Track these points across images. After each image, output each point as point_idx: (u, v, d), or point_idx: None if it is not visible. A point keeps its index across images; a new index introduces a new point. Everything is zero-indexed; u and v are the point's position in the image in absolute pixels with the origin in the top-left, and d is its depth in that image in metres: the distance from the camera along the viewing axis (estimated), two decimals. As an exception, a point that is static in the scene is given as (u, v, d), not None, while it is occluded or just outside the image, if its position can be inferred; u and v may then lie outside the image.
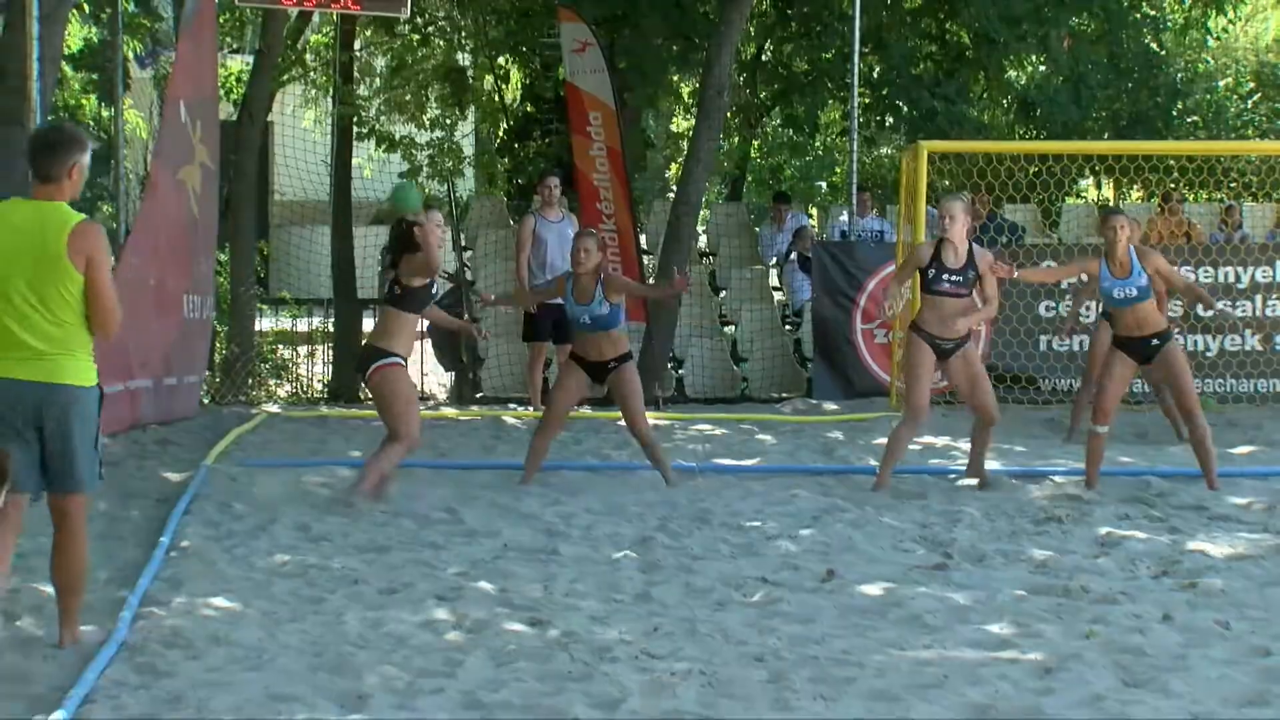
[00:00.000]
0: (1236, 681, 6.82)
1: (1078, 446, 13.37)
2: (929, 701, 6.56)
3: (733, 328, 20.54)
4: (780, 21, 24.08)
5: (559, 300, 12.48)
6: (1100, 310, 15.01)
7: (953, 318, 11.64)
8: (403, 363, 10.95)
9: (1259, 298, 17.58)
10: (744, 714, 6.47)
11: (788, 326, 20.33)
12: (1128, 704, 6.51)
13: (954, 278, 11.64)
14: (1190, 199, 23.20)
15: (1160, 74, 27.04)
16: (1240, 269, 17.57)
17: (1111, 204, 25.29)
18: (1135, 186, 25.26)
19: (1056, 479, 12.21)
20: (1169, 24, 28.29)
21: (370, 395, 11.46)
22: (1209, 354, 17.21)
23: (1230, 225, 20.62)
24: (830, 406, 16.96)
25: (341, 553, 9.48)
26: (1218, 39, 31.36)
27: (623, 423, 12.33)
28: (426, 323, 12.65)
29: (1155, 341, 11.82)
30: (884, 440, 14.01)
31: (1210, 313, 15.72)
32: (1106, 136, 25.55)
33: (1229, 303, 17.25)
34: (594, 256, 11.94)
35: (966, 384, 11.92)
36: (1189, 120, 27.88)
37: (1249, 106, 29.88)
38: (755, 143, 29.56)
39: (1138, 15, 25.28)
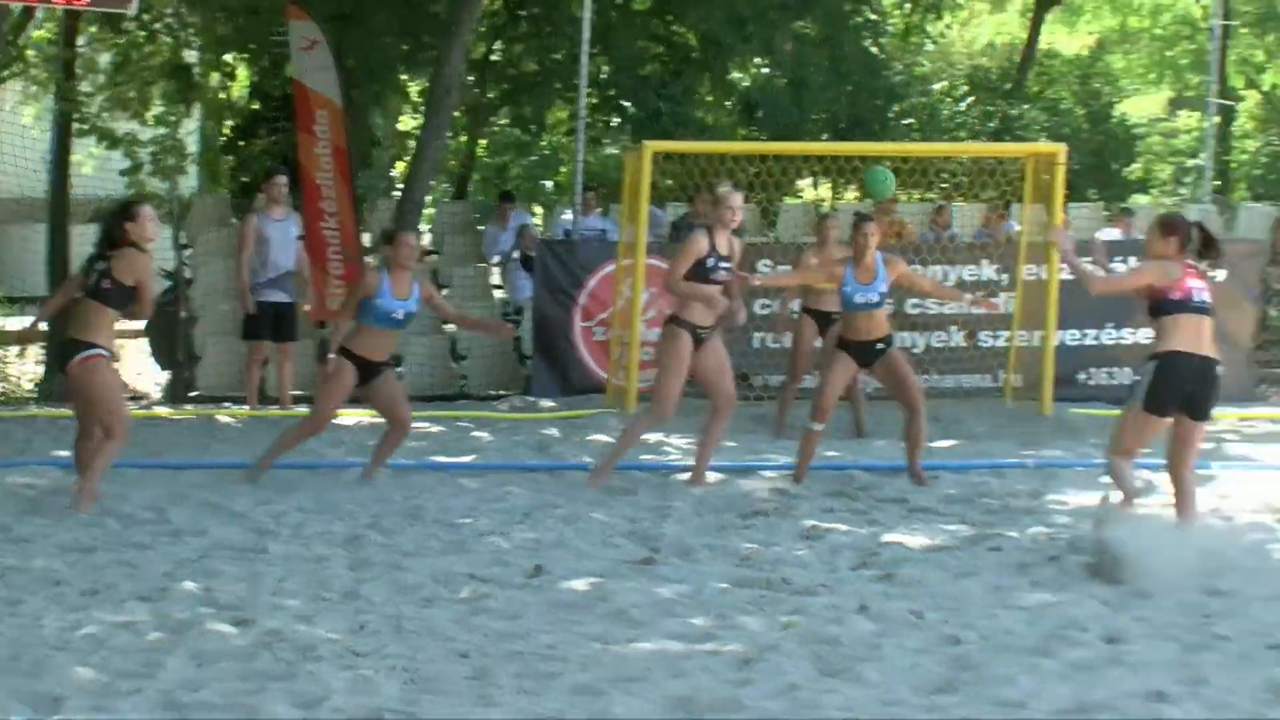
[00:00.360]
0: (928, 670, 7.00)
1: (787, 441, 13.62)
2: (632, 695, 6.63)
3: (452, 325, 20.49)
4: (510, 22, 24.11)
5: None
6: (802, 306, 15.33)
7: (716, 305, 11.73)
8: (107, 355, 10.73)
9: (967, 296, 18.02)
10: (447, 710, 6.48)
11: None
12: (822, 693, 6.64)
13: (726, 264, 11.75)
14: (903, 199, 23.69)
15: (879, 77, 27.61)
16: (949, 268, 18.04)
17: (828, 204, 25.71)
18: (851, 187, 25.72)
19: (766, 474, 12.42)
20: (890, 29, 28.91)
21: (72, 389, 11.02)
22: (916, 350, 17.60)
23: (940, 225, 21.13)
24: (548, 404, 17.01)
25: (43, 554, 9.28)
26: (935, 43, 32.14)
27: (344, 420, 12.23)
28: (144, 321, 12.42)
29: (880, 346, 12.09)
30: (601, 436, 14.20)
31: (958, 306, 16.06)
32: (826, 138, 26.01)
33: (936, 300, 17.72)
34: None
35: (716, 371, 11.97)
36: (905, 122, 28.49)
37: (962, 109, 30.61)
38: (482, 141, 29.55)
39: (859, 20, 25.77)
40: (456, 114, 23.17)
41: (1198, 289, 9.75)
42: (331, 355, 12.53)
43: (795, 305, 15.84)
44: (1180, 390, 9.63)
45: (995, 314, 16.97)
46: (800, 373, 15.43)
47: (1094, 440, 13.47)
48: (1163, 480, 10.38)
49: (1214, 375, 9.71)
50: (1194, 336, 9.65)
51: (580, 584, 8.67)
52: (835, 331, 12.56)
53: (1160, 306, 9.74)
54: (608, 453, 12.15)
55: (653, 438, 14.19)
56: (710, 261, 11.65)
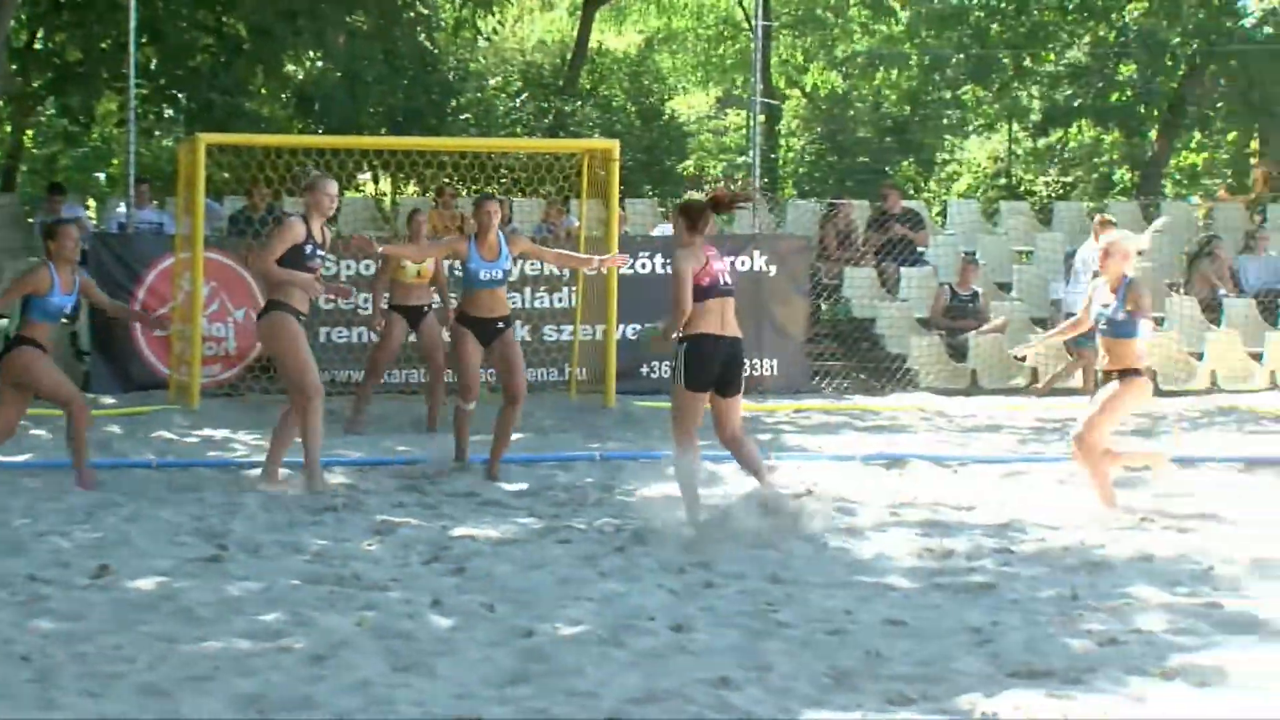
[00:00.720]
0: (500, 662, 7.03)
1: (357, 436, 13.58)
2: (201, 694, 6.52)
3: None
4: (52, 9, 23.40)
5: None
6: (390, 303, 15.36)
7: (312, 291, 11.69)
8: None
9: (528, 290, 18.25)
10: (9, 714, 6.30)
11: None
12: (395, 688, 6.63)
13: (322, 252, 11.72)
14: (463, 194, 23.81)
15: (434, 72, 27.69)
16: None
17: (389, 198, 25.69)
18: (411, 181, 25.76)
19: (336, 469, 12.37)
20: (442, 23, 29.01)
21: None
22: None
23: (501, 219, 21.25)
24: (108, 400, 16.62)
25: None
26: (488, 39, 32.35)
27: None
28: None
29: (501, 325, 12.26)
30: (163, 434, 13.93)
31: (593, 271, 16.24)
32: (384, 132, 25.97)
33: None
34: None
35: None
36: (462, 117, 28.64)
37: (517, 105, 30.87)
38: (29, 132, 28.64)
39: (412, 14, 25.78)
40: (0, 104, 22.43)
41: (721, 272, 10.33)
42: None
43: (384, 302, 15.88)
44: (710, 369, 10.18)
45: (558, 308, 17.27)
46: (381, 369, 15.49)
47: (658, 432, 13.76)
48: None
49: (739, 353, 10.35)
50: (719, 318, 10.24)
51: (146, 583, 8.50)
52: (459, 309, 12.58)
53: (695, 293, 10.20)
54: (308, 458, 11.67)
55: (218, 434, 14.03)
56: (309, 249, 11.55)
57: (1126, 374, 11.03)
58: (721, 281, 10.31)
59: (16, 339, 11.68)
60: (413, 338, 15.49)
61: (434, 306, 15.62)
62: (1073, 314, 18.52)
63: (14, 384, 11.56)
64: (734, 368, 10.33)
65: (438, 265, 15.38)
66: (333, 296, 15.22)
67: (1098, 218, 20.23)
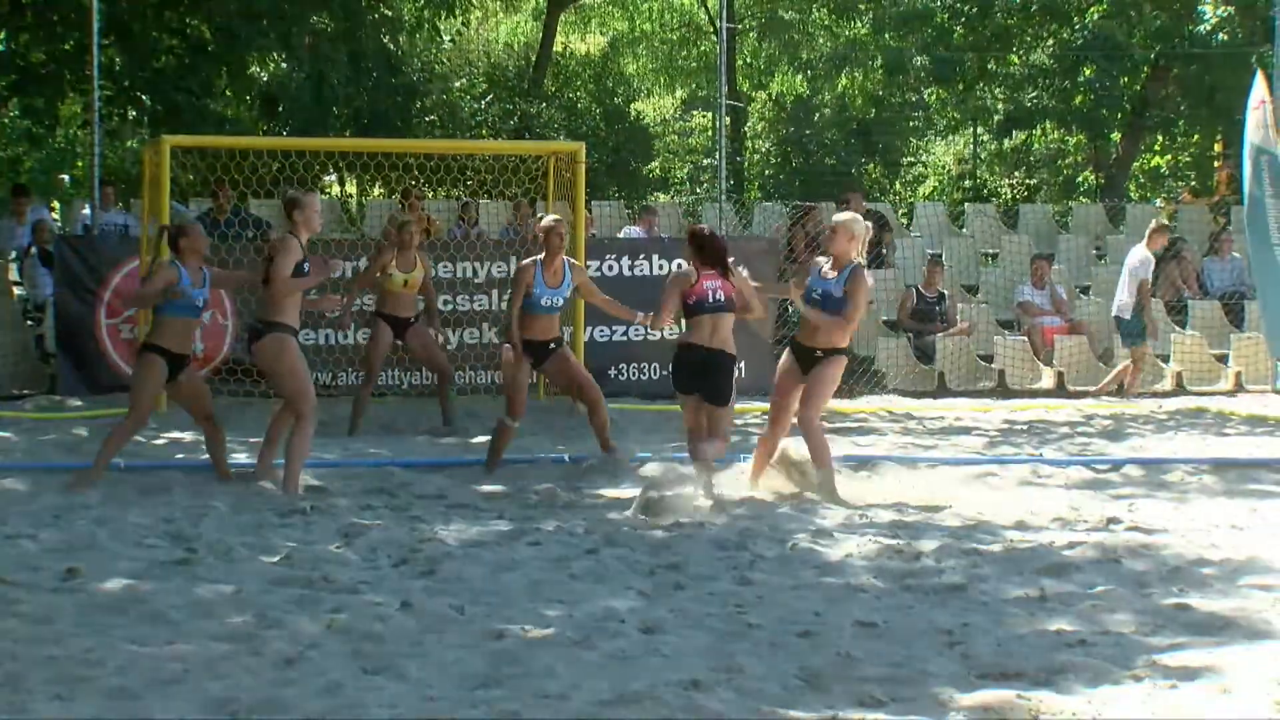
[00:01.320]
0: (470, 664, 7.00)
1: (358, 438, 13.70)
2: (170, 698, 6.48)
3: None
4: (15, 10, 23.29)
5: None
6: (376, 311, 15.39)
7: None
8: None
9: (495, 292, 18.25)
10: (-24, 720, 6.28)
11: (29, 322, 19.72)
12: (365, 690, 6.60)
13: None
14: (430, 196, 23.81)
15: (399, 74, 27.66)
16: (478, 264, 18.23)
17: (355, 199, 25.67)
18: (378, 183, 25.75)
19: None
20: (405, 25, 29.00)
21: None
22: (450, 346, 17.72)
23: (468, 222, 21.30)
24: (75, 403, 16.55)
25: None
26: (453, 41, 32.34)
27: None
28: None
29: (552, 346, 12.67)
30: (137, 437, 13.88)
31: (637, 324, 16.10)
32: (349, 133, 25.93)
33: (467, 296, 17.96)
34: None
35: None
36: (427, 119, 28.62)
37: (483, 107, 30.86)
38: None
39: (376, 15, 25.76)
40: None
41: (712, 290, 11.28)
42: None
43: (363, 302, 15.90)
44: (686, 376, 11.26)
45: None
46: (375, 373, 15.53)
47: (632, 434, 13.77)
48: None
49: (716, 363, 11.27)
50: (708, 332, 11.31)
51: (115, 586, 8.45)
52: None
53: (686, 309, 11.37)
54: (292, 465, 11.71)
55: (186, 436, 13.98)
56: (305, 266, 11.60)
57: (831, 353, 11.50)
58: (710, 299, 11.30)
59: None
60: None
61: (419, 317, 15.62)
62: (1120, 317, 18.99)
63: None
64: (710, 375, 11.27)
65: (426, 276, 15.47)
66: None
67: (1153, 223, 20.36)
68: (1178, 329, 21.74)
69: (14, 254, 21.01)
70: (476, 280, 18.28)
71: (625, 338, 18.54)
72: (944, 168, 38.39)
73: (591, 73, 35.63)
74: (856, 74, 34.94)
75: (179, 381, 11.81)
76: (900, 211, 27.86)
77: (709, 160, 31.12)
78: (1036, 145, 36.07)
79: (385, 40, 26.54)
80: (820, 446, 11.50)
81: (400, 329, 15.35)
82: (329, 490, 11.59)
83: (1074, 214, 26.74)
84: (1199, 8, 30.12)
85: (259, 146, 19.25)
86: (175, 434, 14.07)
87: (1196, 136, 34.13)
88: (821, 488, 11.45)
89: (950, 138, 37.64)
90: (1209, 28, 28.70)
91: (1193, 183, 34.25)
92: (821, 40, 36.17)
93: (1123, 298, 19.61)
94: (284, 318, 11.54)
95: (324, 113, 25.76)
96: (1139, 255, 19.56)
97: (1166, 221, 20.86)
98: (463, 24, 30.55)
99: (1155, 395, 20.00)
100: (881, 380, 20.15)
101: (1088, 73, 30.20)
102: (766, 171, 35.59)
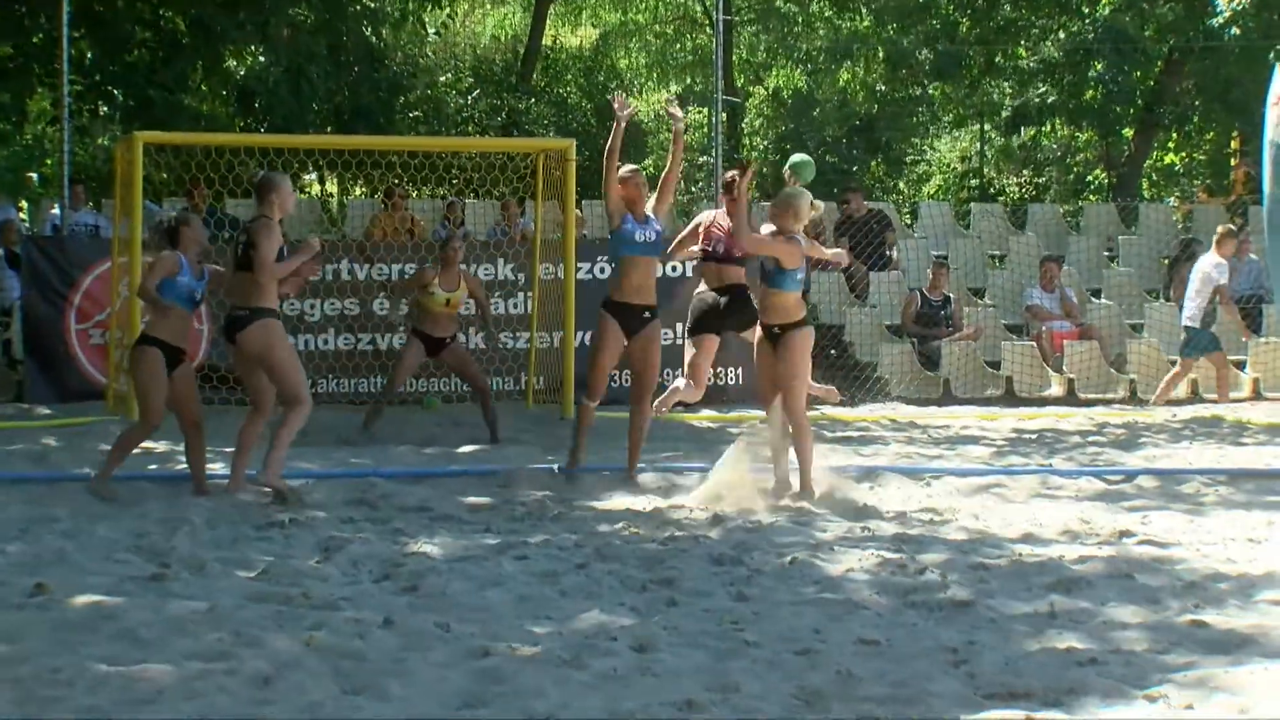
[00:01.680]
0: (455, 683, 6.85)
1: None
2: (144, 718, 6.33)
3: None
4: (-19, 2, 23.10)
5: None
6: (412, 328, 15.31)
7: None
8: None
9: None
10: (-63, 742, 6.10)
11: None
12: (345, 711, 6.45)
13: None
14: (414, 195, 23.62)
15: (382, 68, 27.49)
16: (463, 265, 17.99)
17: (335, 199, 25.49)
18: (359, 182, 25.59)
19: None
20: (388, 17, 28.85)
21: None
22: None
23: (454, 222, 21.09)
24: (44, 411, 16.40)
25: None
26: (438, 34, 32.21)
27: None
28: None
29: (647, 315, 12.36)
30: (102, 445, 13.70)
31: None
32: (329, 130, 25.75)
33: None
34: None
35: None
36: (411, 115, 28.48)
37: (469, 102, 30.73)
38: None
39: (357, 7, 25.60)
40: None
41: (718, 240, 12.28)
42: None
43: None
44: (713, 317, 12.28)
45: (514, 314, 17.15)
46: (398, 384, 15.44)
47: (621, 444, 13.54)
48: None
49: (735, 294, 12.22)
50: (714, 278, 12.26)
51: (85, 602, 8.23)
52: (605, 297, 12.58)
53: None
54: (273, 455, 11.51)
55: (160, 446, 13.84)
56: (285, 250, 11.44)
57: (789, 328, 11.67)
58: (711, 248, 12.27)
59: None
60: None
61: (456, 338, 15.53)
62: (1191, 326, 18.87)
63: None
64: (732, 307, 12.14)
65: (476, 287, 15.57)
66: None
67: (1220, 228, 20.28)
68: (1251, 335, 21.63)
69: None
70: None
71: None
72: (949, 165, 38.27)
73: (582, 67, 35.57)
74: (858, 68, 34.80)
75: (172, 377, 11.56)
76: (904, 211, 27.78)
77: (705, 158, 30.99)
78: (1045, 142, 35.94)
79: (367, 33, 26.42)
80: (801, 426, 11.80)
81: (435, 347, 15.23)
82: (306, 502, 11.40)
83: (1084, 214, 26.69)
84: (1212, 1, 29.96)
85: (235, 144, 19.10)
86: (148, 443, 13.82)
87: (1212, 133, 33.90)
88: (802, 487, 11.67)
89: (955, 134, 37.49)
90: (1223, 20, 28.50)
91: (1208, 182, 34.13)
92: (821, 33, 35.94)
93: (1192, 308, 19.49)
94: (268, 302, 11.35)
95: (303, 108, 25.60)
96: (1211, 261, 19.46)
97: (1233, 227, 20.73)
98: (448, 16, 30.40)
99: (1172, 404, 19.82)
100: (884, 387, 20.03)
101: (1098, 67, 29.92)
102: (765, 169, 35.52)
